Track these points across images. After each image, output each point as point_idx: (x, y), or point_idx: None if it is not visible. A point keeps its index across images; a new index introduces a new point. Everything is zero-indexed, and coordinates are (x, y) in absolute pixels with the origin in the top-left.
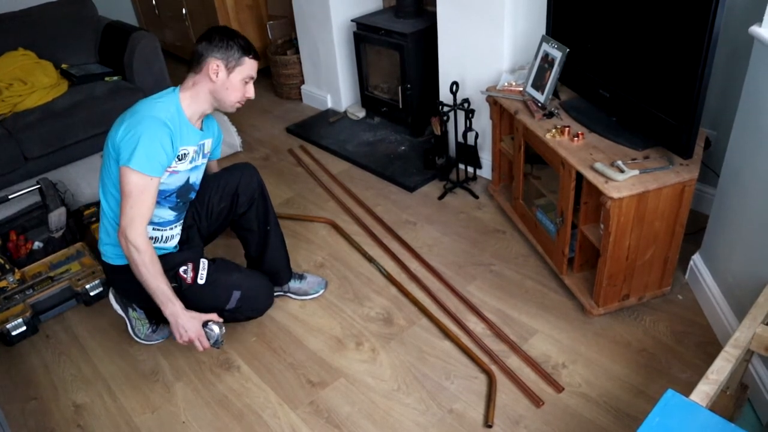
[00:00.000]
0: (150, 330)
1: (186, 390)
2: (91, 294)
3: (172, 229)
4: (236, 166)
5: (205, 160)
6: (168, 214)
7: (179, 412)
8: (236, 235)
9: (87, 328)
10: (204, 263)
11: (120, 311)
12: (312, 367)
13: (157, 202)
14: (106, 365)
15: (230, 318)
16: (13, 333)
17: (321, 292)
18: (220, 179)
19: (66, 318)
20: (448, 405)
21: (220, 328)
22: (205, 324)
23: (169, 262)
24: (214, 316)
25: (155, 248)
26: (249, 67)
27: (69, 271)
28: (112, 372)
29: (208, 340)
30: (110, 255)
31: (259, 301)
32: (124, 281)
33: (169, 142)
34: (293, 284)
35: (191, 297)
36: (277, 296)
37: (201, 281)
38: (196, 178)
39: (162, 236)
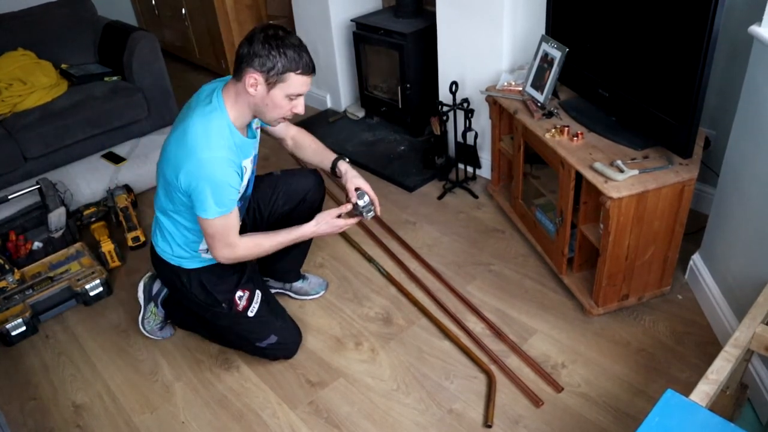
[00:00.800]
0: (157, 327)
1: (185, 390)
2: (91, 294)
3: None
4: (307, 173)
5: (257, 156)
6: None
7: (178, 412)
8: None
9: (86, 328)
10: (258, 297)
11: (141, 300)
12: (311, 367)
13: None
14: (106, 365)
15: (252, 351)
16: (13, 333)
17: (321, 293)
18: (290, 183)
19: (65, 318)
20: (448, 405)
21: (362, 197)
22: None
23: (228, 282)
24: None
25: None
26: (295, 83)
27: (68, 271)
28: (112, 372)
29: (361, 214)
30: (165, 251)
31: (288, 351)
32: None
33: (235, 175)
34: (296, 284)
35: (231, 322)
36: (277, 293)
37: (250, 314)
38: (252, 174)
39: None
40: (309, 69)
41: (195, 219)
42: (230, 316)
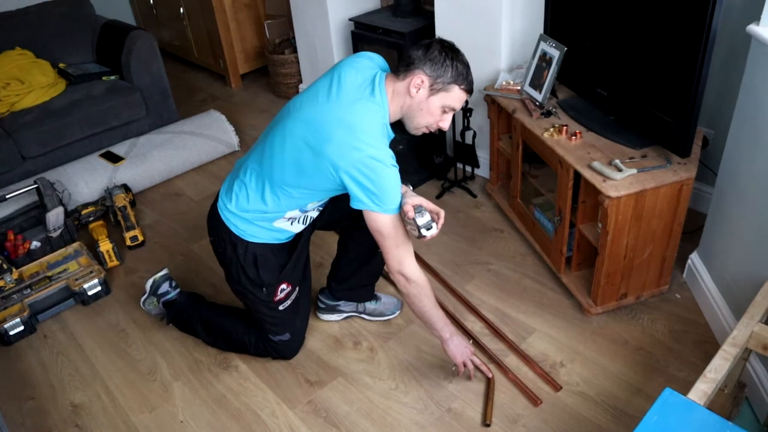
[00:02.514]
0: (155, 312)
1: (184, 389)
2: (89, 294)
3: (315, 211)
4: None
5: None
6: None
7: (177, 412)
8: (339, 239)
9: (85, 327)
10: (295, 294)
11: (147, 290)
12: (310, 366)
13: (319, 198)
14: (104, 365)
15: (256, 346)
16: (11, 333)
17: (397, 313)
18: None
19: (64, 318)
20: (447, 404)
21: (422, 214)
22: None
23: (278, 263)
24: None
25: (284, 230)
26: (456, 97)
27: (67, 271)
28: (110, 371)
29: (420, 232)
30: (235, 215)
31: (292, 351)
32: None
33: (397, 174)
34: (369, 305)
35: (260, 306)
36: (350, 317)
37: (281, 308)
38: None
39: (303, 218)
40: (470, 87)
41: (312, 195)
42: (264, 302)
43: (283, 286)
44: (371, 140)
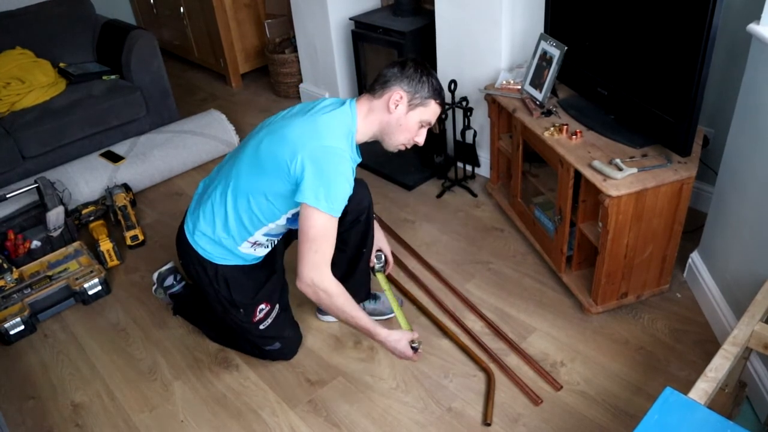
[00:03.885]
0: (165, 300)
1: (184, 389)
2: (90, 293)
3: (279, 237)
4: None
5: None
6: (285, 228)
7: (177, 411)
8: None
9: (85, 327)
10: (275, 313)
11: (154, 280)
12: (310, 366)
13: (288, 218)
14: (105, 364)
15: (253, 351)
16: (12, 332)
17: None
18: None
19: (64, 317)
20: (447, 403)
21: (379, 259)
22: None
23: (253, 286)
24: (413, 335)
25: (249, 254)
26: (432, 111)
27: (67, 270)
28: (111, 371)
29: (372, 270)
30: (201, 239)
31: (286, 357)
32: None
33: (352, 178)
34: (368, 305)
35: (241, 327)
36: None
37: (262, 327)
38: None
39: (268, 243)
40: (444, 101)
41: (270, 209)
42: (244, 322)
43: (262, 306)
44: (333, 135)
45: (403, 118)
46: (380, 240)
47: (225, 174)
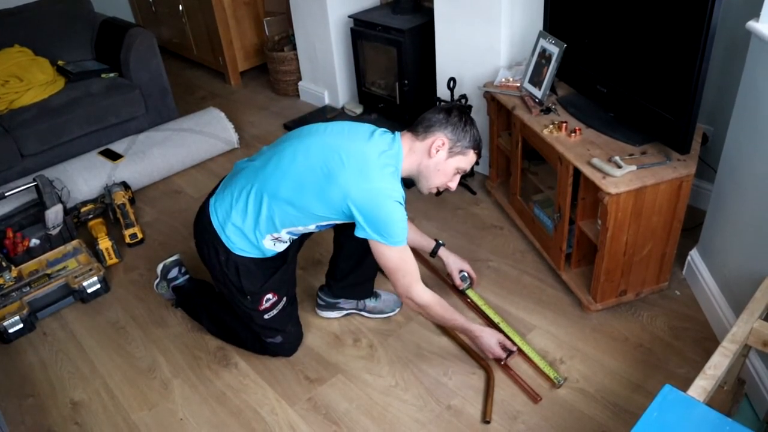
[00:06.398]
0: (168, 295)
1: (183, 387)
2: (89, 291)
3: (300, 236)
4: None
5: None
6: (311, 231)
7: (177, 409)
8: (333, 237)
9: (84, 325)
10: (282, 305)
11: (158, 273)
12: (310, 364)
13: (319, 225)
14: (104, 362)
15: (253, 345)
16: (10, 331)
17: (397, 310)
18: None
19: (63, 315)
20: (446, 401)
21: (465, 280)
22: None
23: (262, 276)
24: (500, 336)
25: (269, 249)
26: (469, 160)
27: (66, 269)
28: (110, 369)
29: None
30: (225, 224)
31: (287, 352)
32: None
33: (403, 208)
34: (369, 302)
35: (243, 310)
36: (349, 314)
37: (266, 317)
38: None
39: (289, 240)
40: (481, 153)
41: (305, 219)
42: (249, 309)
43: (269, 296)
44: (383, 177)
45: (442, 163)
46: (458, 263)
47: (265, 175)
